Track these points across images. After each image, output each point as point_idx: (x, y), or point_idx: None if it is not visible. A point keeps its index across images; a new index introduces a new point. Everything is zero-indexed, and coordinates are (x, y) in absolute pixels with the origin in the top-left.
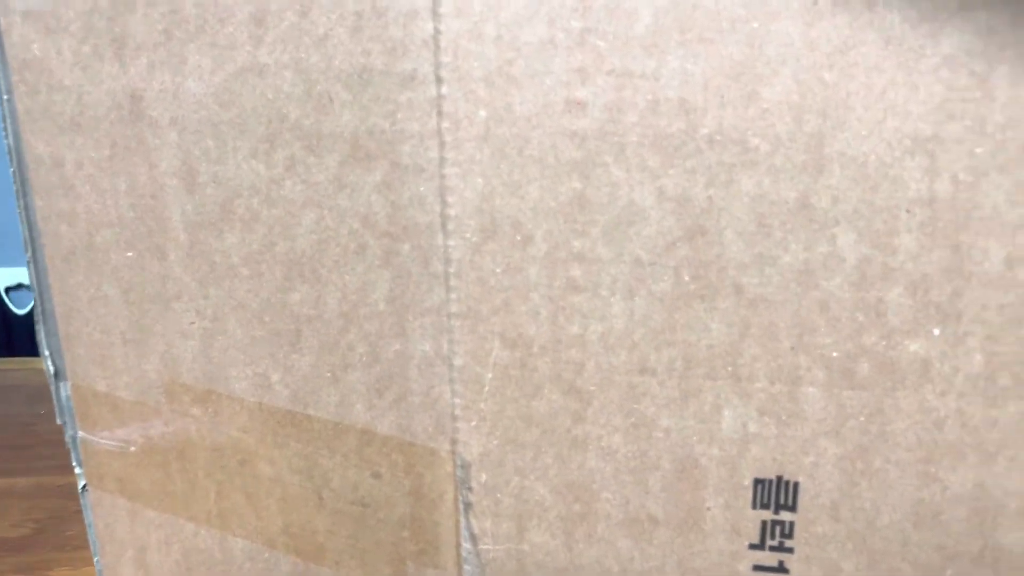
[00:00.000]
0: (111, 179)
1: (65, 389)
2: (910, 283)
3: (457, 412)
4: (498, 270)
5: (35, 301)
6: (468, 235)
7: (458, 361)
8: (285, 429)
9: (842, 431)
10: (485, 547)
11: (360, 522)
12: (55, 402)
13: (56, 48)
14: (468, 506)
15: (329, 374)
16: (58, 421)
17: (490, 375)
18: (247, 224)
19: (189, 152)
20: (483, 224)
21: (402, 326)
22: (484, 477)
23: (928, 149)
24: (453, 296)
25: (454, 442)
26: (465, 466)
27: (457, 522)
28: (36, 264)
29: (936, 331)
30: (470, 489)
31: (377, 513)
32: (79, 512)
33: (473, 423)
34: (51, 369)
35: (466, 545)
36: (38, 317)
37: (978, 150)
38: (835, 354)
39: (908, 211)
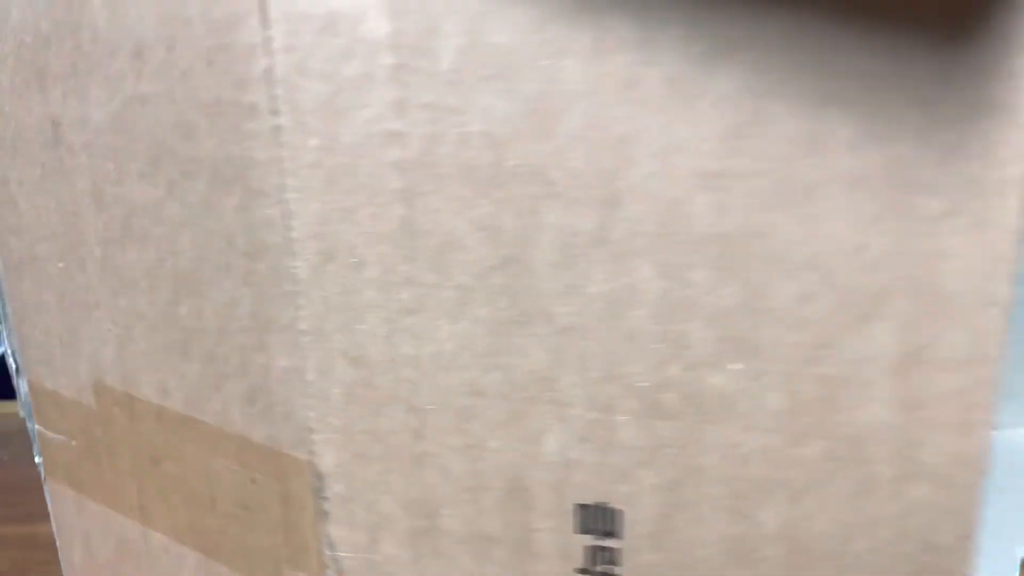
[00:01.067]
0: (43, 197)
1: (24, 385)
2: (708, 317)
3: (312, 425)
4: (338, 291)
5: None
6: (310, 257)
7: (309, 376)
8: (182, 432)
9: (656, 461)
10: (343, 554)
11: (244, 524)
12: (17, 396)
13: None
14: (325, 514)
15: (213, 383)
16: (20, 414)
17: (337, 391)
18: (141, 241)
19: (96, 173)
20: (322, 247)
21: (264, 341)
22: (339, 488)
23: (715, 185)
24: (301, 314)
25: (311, 453)
26: (320, 477)
27: (318, 529)
28: None
29: (737, 366)
30: (326, 498)
31: (257, 516)
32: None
33: (326, 435)
34: (13, 365)
35: (327, 551)
36: (2, 318)
37: (763, 186)
38: (644, 384)
39: (701, 246)
